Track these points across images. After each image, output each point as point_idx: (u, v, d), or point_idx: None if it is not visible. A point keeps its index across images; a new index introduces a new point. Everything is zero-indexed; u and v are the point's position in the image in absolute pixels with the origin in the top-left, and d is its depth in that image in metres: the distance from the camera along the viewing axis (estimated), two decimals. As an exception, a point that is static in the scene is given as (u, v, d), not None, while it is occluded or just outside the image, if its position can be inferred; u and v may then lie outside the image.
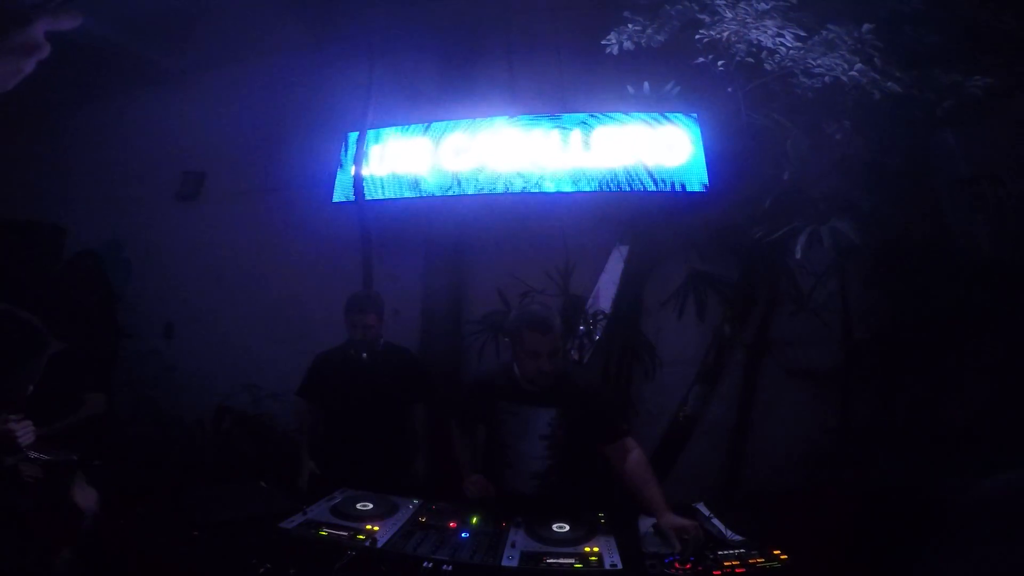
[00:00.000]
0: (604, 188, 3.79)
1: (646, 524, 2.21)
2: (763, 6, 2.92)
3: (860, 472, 3.45)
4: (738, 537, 2.08)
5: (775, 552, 1.94)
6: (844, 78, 2.81)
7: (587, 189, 3.81)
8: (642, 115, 3.79)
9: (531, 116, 4.00)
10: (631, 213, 3.93)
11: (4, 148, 5.86)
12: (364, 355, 3.16)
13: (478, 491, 2.39)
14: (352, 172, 4.21)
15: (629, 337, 3.92)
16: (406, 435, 3.24)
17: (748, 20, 2.89)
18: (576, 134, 3.90)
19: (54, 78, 4.92)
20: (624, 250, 3.99)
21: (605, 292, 3.96)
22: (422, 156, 4.14)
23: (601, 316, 3.78)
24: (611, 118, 3.86)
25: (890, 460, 3.34)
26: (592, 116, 3.89)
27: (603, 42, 3.37)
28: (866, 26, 2.86)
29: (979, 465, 3.05)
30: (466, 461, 2.67)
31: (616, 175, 3.78)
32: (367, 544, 1.96)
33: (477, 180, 4.00)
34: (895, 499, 3.23)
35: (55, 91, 5.26)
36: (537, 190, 3.89)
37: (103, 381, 3.68)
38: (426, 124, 4.20)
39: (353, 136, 4.30)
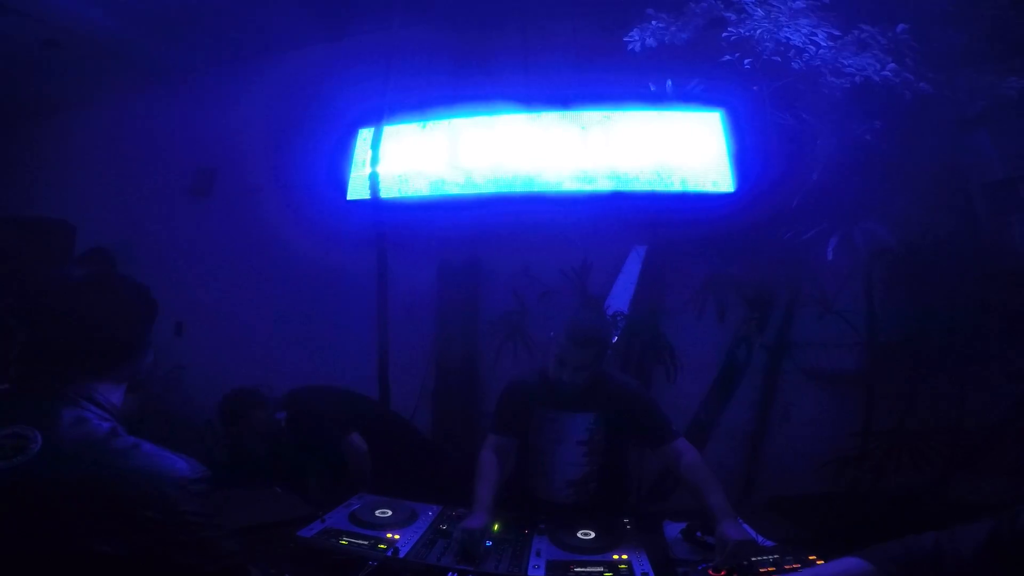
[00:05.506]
0: (623, 187, 3.70)
1: (673, 529, 2.17)
2: (798, 4, 2.85)
3: (882, 476, 3.41)
4: (770, 543, 2.04)
5: (811, 558, 1.88)
6: (876, 78, 2.74)
7: (605, 188, 3.72)
8: (664, 113, 3.71)
9: (548, 113, 3.90)
10: (650, 212, 3.86)
11: (13, 145, 5.87)
12: None
13: (469, 538, 1.96)
14: (366, 170, 4.15)
15: (648, 338, 3.86)
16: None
17: (781, 18, 2.83)
18: (595, 132, 3.81)
19: (63, 74, 4.94)
20: (642, 250, 3.94)
21: (623, 293, 3.91)
22: (437, 154, 4.06)
23: (619, 317, 3.72)
24: (632, 116, 3.77)
25: (912, 465, 3.30)
26: (612, 113, 3.80)
27: (625, 39, 3.31)
28: (901, 26, 2.79)
29: (1002, 470, 3.04)
30: (481, 494, 2.19)
31: (636, 174, 3.70)
32: (389, 554, 1.91)
33: (492, 178, 3.91)
34: (917, 503, 3.21)
35: (64, 87, 5.25)
36: (554, 188, 3.81)
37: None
38: (441, 122, 4.10)
39: (367, 133, 4.24)
